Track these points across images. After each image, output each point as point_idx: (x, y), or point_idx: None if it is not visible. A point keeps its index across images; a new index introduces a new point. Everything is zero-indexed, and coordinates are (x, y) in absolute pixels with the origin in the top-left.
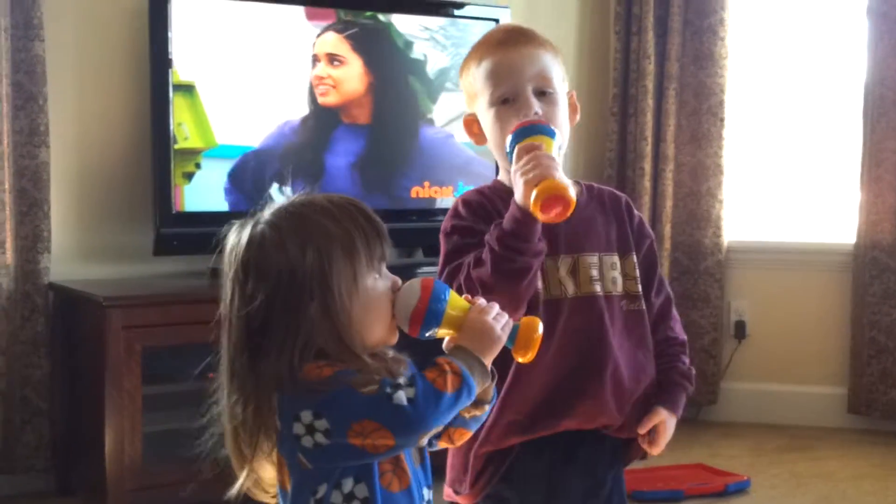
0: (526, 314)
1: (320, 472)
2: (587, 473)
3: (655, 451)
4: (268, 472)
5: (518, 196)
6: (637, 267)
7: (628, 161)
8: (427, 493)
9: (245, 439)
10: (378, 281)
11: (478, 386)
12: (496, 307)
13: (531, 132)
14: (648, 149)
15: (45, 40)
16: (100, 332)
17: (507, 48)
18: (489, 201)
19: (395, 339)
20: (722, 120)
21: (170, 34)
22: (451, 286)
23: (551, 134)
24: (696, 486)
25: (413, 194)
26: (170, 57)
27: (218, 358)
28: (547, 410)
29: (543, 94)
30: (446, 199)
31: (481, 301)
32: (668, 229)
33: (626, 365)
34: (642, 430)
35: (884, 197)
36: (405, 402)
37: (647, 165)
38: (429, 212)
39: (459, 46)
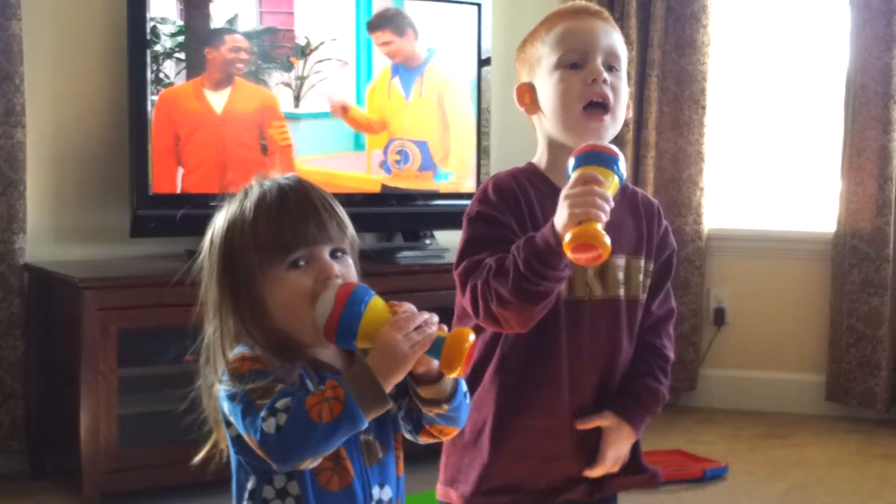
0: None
1: (248, 463)
2: None
3: (595, 470)
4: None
5: (558, 221)
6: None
7: None
8: (381, 492)
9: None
10: (293, 274)
11: (369, 413)
12: (417, 319)
13: (600, 161)
14: (630, 135)
15: (22, 19)
16: (75, 314)
17: (582, 17)
18: (521, 189)
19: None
20: (703, 107)
21: (148, 14)
22: (467, 282)
23: (618, 171)
24: (673, 472)
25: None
26: (147, 37)
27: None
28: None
29: (611, 69)
30: (427, 182)
31: (406, 307)
32: None
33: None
34: (580, 426)
35: (864, 186)
36: (273, 431)
37: (629, 152)
38: (407, 196)
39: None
